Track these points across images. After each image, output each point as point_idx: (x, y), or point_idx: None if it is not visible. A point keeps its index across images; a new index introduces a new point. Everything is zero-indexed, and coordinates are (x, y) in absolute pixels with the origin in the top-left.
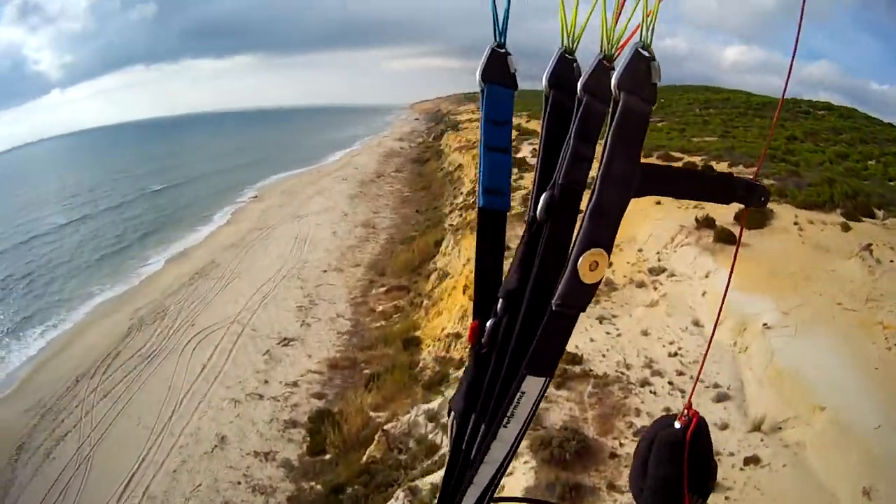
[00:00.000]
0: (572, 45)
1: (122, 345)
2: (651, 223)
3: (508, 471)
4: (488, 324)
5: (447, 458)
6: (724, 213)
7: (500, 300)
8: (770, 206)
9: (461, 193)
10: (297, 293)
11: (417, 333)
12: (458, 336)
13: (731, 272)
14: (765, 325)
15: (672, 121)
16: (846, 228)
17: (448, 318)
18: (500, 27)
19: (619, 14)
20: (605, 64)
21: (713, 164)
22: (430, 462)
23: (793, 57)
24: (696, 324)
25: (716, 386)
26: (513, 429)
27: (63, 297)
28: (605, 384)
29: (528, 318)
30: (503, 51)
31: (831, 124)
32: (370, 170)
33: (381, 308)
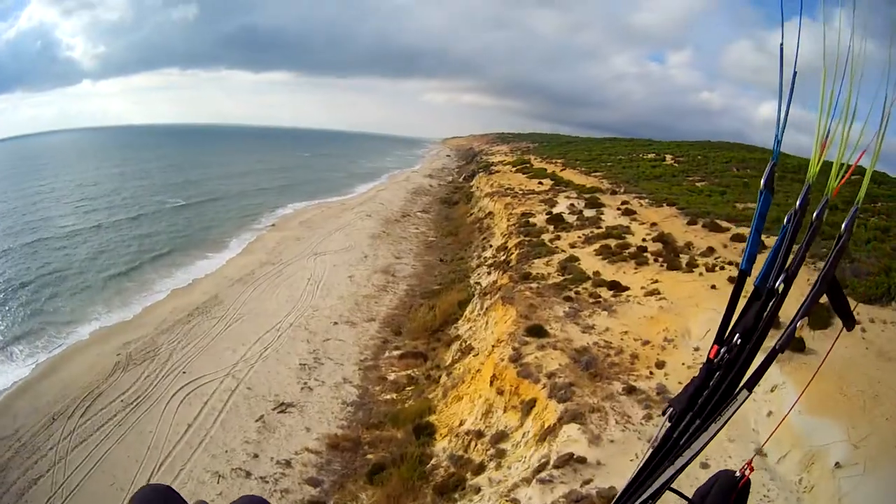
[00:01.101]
0: (813, 182)
1: (105, 384)
2: (705, 314)
3: None
4: (723, 349)
5: (653, 445)
6: (788, 308)
7: (738, 335)
8: None
9: (490, 247)
10: (303, 347)
11: (432, 419)
12: (479, 435)
13: (799, 396)
14: (837, 464)
15: (712, 181)
16: None
17: (469, 407)
18: (776, 150)
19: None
20: (826, 204)
21: (764, 238)
22: None
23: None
24: (760, 452)
25: None
26: (717, 426)
27: (60, 318)
28: None
29: (753, 350)
30: (776, 167)
31: (866, 191)
32: (396, 207)
33: (392, 377)
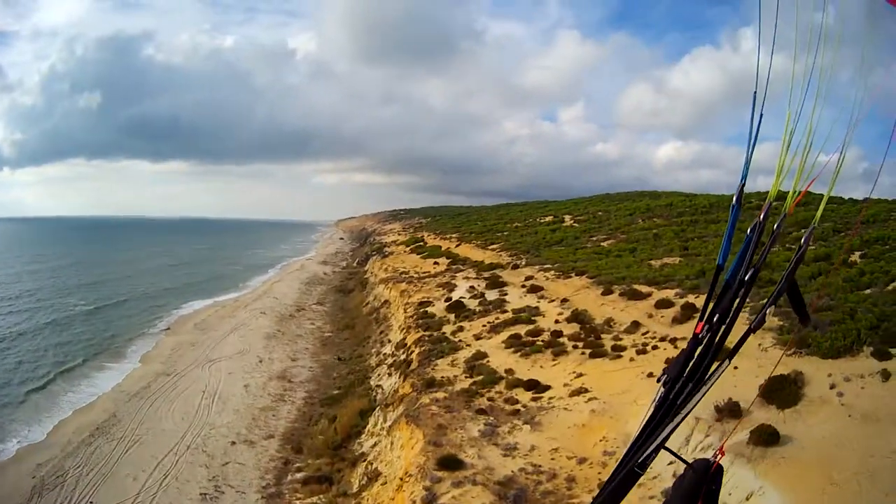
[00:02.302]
0: (772, 201)
1: None
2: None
3: None
4: (706, 327)
5: (650, 410)
6: (746, 389)
7: (718, 314)
8: (797, 363)
9: (389, 342)
10: (202, 473)
11: None
12: None
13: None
14: None
15: (618, 238)
16: (886, 376)
17: None
18: (744, 173)
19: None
20: (784, 218)
21: (692, 299)
22: None
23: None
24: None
25: None
26: (705, 388)
27: None
28: None
29: (728, 327)
30: (743, 186)
31: (792, 216)
32: (290, 301)
33: None
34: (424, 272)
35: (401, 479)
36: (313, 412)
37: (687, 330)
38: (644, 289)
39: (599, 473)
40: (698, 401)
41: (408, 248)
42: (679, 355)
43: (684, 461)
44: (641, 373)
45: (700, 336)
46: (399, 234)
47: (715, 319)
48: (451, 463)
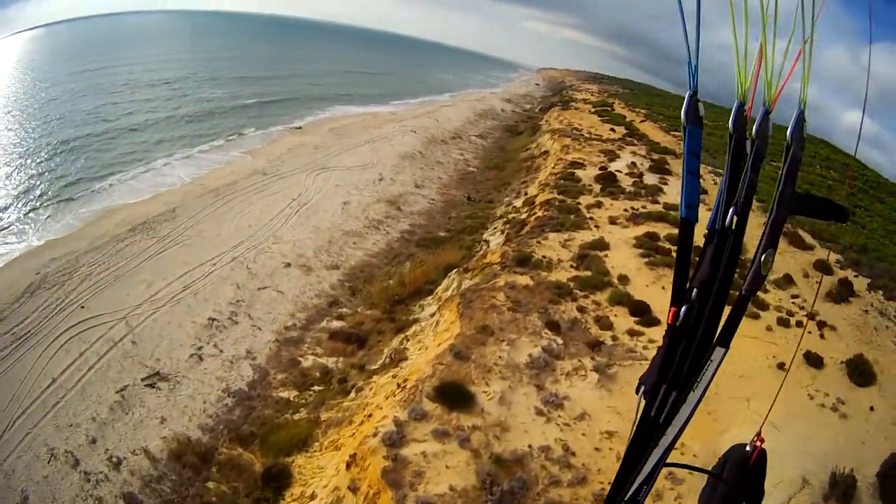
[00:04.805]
0: (745, 99)
1: (9, 309)
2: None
3: None
4: (683, 309)
5: (633, 429)
6: (873, 453)
7: (695, 289)
8: None
9: (525, 195)
10: (228, 294)
11: (298, 461)
12: None
13: None
14: None
15: None
16: None
17: (332, 474)
18: (693, 78)
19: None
20: (767, 116)
21: (852, 274)
22: None
23: None
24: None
25: None
26: (697, 393)
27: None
28: None
29: (718, 301)
30: (696, 97)
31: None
32: (451, 127)
33: (309, 363)
34: (596, 134)
35: (399, 384)
36: (402, 251)
37: (838, 314)
38: (808, 238)
39: None
40: (692, 412)
41: (592, 109)
42: (656, 356)
43: (703, 470)
44: (773, 357)
45: (677, 325)
46: (592, 95)
47: (693, 295)
48: (455, 396)
